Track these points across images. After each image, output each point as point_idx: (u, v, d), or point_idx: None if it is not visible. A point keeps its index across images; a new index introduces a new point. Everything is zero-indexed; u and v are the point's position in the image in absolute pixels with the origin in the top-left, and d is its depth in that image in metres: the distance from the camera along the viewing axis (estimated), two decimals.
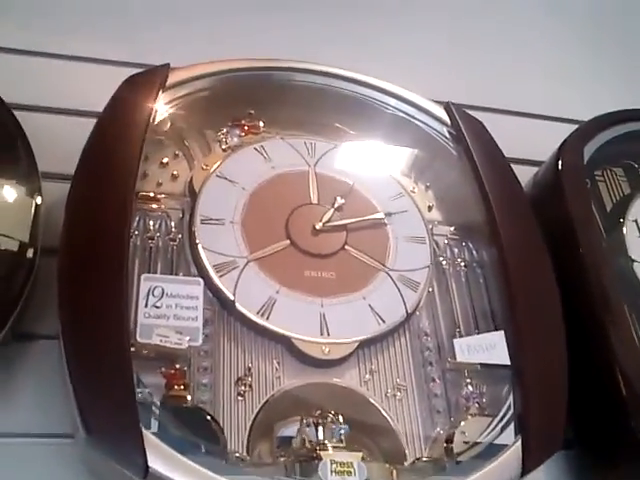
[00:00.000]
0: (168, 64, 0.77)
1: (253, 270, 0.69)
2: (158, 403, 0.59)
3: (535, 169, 0.91)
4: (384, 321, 0.69)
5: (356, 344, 0.67)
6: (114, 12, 0.93)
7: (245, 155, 0.79)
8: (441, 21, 1.10)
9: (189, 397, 0.61)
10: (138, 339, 0.60)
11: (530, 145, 0.95)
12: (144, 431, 0.55)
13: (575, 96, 1.05)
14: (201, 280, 0.66)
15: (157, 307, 0.63)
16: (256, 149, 0.79)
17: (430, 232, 0.78)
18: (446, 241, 0.78)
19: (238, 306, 0.66)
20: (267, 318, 0.66)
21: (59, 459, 0.65)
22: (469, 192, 0.79)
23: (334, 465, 0.58)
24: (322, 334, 0.66)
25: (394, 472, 0.60)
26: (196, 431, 0.59)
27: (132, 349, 0.59)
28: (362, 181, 0.79)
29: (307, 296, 0.68)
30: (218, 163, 0.77)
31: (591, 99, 1.02)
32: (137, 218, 0.71)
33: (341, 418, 0.63)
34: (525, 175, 0.88)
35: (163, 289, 0.64)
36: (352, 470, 0.58)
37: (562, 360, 0.67)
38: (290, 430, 0.63)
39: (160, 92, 0.75)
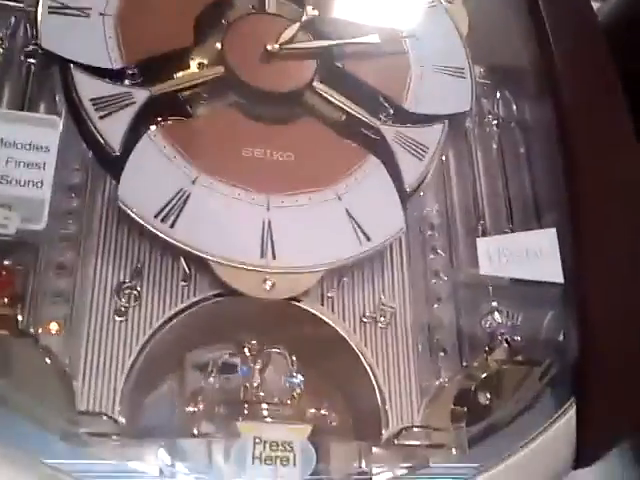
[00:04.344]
0: None
1: (154, 137, 0.41)
2: None
3: None
4: (369, 238, 0.41)
5: (319, 274, 0.40)
6: None
7: None
8: None
9: (19, 318, 0.35)
10: None
11: None
12: None
13: None
14: (57, 120, 0.39)
15: None
16: None
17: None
18: None
19: (123, 205, 0.39)
20: (171, 225, 0.39)
21: None
22: (511, 13, 0.52)
23: (260, 447, 0.34)
24: (263, 256, 0.39)
25: (361, 453, 0.36)
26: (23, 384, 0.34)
27: None
28: None
29: (243, 191, 0.41)
30: None
31: None
32: None
33: (290, 357, 0.39)
34: None
35: None
36: (290, 456, 0.34)
37: None
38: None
39: None
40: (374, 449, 0.37)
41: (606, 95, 0.48)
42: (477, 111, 0.50)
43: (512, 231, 0.46)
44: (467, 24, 0.53)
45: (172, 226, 0.39)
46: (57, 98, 0.42)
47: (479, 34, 0.53)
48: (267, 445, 0.34)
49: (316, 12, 0.48)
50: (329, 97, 0.46)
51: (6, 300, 0.35)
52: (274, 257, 0.39)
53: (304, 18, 0.47)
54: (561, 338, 0.41)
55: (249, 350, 0.40)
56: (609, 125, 0.47)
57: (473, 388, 0.40)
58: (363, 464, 0.36)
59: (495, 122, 0.50)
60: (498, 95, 0.51)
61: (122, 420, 0.34)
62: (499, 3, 0.54)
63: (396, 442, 0.38)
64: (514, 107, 0.51)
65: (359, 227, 0.41)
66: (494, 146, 0.49)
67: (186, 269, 0.39)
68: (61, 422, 0.33)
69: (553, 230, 0.43)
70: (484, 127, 0.50)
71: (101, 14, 0.43)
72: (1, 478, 0.32)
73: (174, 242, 0.38)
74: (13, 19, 0.44)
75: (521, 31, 0.52)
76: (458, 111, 0.48)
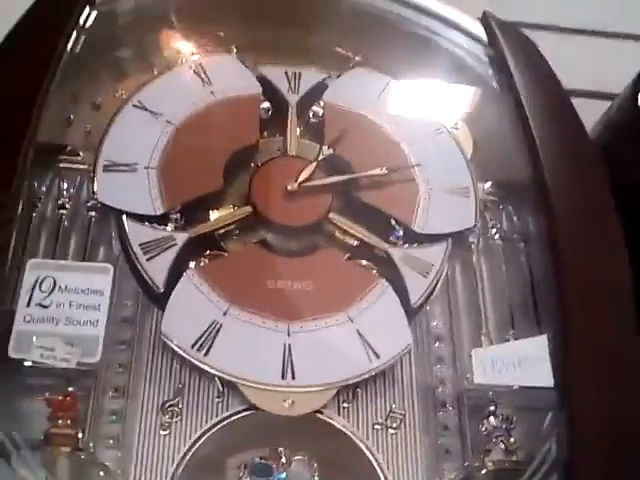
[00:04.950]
0: None
1: (192, 276, 0.48)
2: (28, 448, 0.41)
3: (606, 104, 0.67)
4: (378, 356, 0.47)
5: (333, 391, 0.46)
6: None
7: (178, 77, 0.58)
8: None
9: (80, 435, 0.43)
10: (11, 353, 0.43)
11: (599, 72, 0.71)
12: None
13: None
14: (110, 267, 0.47)
15: (44, 306, 0.45)
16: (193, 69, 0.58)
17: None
18: None
19: (165, 338, 0.46)
20: (205, 353, 0.46)
21: None
22: (512, 136, 0.57)
23: None
24: (284, 377, 0.46)
25: None
26: None
27: None
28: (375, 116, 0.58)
29: (267, 319, 0.48)
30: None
31: None
32: (47, 180, 0.53)
33: (312, 462, 0.45)
34: (595, 113, 0.66)
35: (55, 280, 0.46)
36: None
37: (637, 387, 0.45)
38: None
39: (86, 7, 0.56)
40: None
41: (597, 209, 0.53)
42: (481, 225, 0.56)
43: (515, 337, 0.51)
44: (472, 145, 0.59)
45: (207, 354, 0.46)
46: (113, 244, 0.51)
47: (483, 153, 0.59)
48: None
49: (331, 151, 0.55)
50: (343, 227, 0.53)
51: (69, 422, 0.43)
52: (294, 377, 0.46)
53: (320, 157, 0.55)
54: (553, 440, 0.45)
55: (277, 457, 0.46)
56: (598, 235, 0.51)
57: None
58: None
59: (498, 235, 0.56)
60: (501, 208, 0.57)
61: None
62: (500, 124, 0.59)
63: None
64: (516, 220, 0.56)
65: (369, 346, 0.47)
66: (497, 258, 0.55)
67: (220, 388, 0.46)
68: None
69: (543, 337, 0.48)
70: (487, 240, 0.55)
71: (146, 168, 0.52)
72: None
73: (208, 369, 0.46)
74: (78, 178, 0.53)
75: (520, 149, 0.57)
76: (463, 228, 0.54)
